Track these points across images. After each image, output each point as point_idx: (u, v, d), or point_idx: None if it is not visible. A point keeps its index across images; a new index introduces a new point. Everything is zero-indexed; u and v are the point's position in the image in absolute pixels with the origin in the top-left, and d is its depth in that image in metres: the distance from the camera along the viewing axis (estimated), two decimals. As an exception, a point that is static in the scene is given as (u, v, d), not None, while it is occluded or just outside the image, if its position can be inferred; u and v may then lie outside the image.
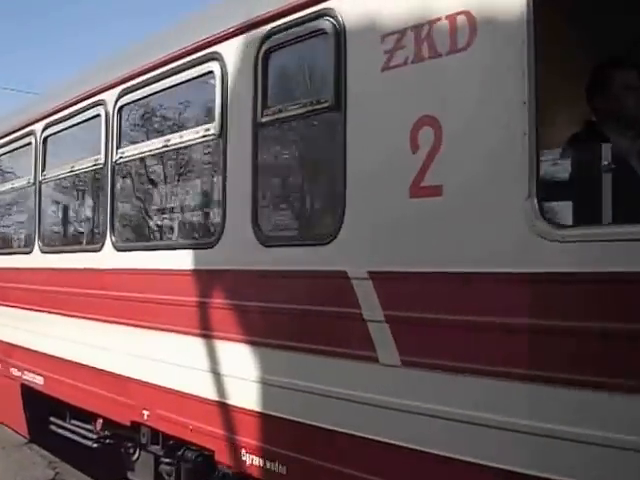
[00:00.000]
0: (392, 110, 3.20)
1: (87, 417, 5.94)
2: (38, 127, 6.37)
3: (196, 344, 4.24)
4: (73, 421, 6.37)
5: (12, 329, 6.83)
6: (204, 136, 4.27)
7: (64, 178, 6.21)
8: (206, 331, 4.17)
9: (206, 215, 4.79)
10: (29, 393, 6.62)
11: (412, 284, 3.11)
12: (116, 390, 5.06)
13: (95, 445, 5.89)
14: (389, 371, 3.18)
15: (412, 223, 3.12)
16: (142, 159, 5.12)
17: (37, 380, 6.31)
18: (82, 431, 6.16)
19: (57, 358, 5.87)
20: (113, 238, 5.13)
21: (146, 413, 4.74)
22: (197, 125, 4.44)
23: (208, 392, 4.13)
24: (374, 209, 3.27)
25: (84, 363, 5.44)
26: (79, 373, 5.53)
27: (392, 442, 3.14)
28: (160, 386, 4.54)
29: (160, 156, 4.97)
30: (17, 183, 6.91)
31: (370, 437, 3.23)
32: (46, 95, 7.47)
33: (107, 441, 5.82)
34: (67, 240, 6.52)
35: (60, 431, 6.51)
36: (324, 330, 3.48)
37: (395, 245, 3.19)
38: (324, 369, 3.47)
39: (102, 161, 5.30)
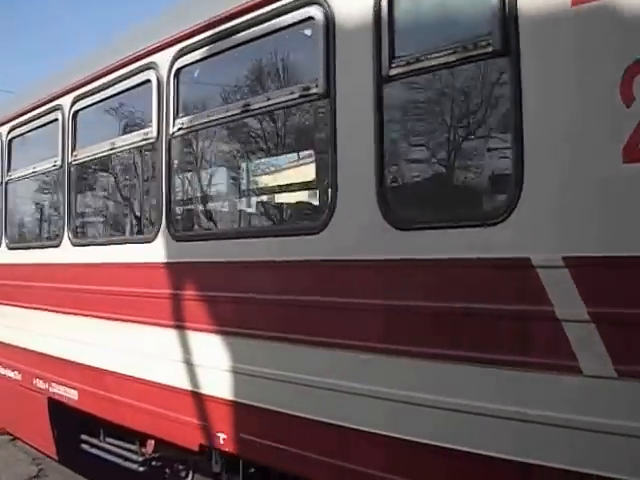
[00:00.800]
0: (591, 53, 2.46)
1: (122, 433, 5.18)
2: (66, 101, 5.54)
3: (293, 350, 3.47)
4: (109, 439, 5.57)
5: (35, 335, 5.97)
6: (303, 96, 3.48)
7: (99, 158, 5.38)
8: (320, 337, 3.37)
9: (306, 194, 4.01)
10: (56, 407, 5.79)
11: (630, 271, 2.37)
12: (177, 408, 4.25)
13: (142, 469, 5.10)
14: (597, 384, 2.44)
15: (627, 194, 2.38)
16: (207, 129, 4.30)
17: (69, 394, 5.47)
18: (122, 451, 5.36)
19: (96, 369, 5.03)
20: (171, 228, 4.32)
21: (222, 436, 3.94)
22: (290, 85, 3.66)
23: (328, 413, 3.32)
24: (571, 177, 2.52)
25: (133, 375, 4.62)
26: (126, 387, 4.71)
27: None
28: (246, 404, 3.75)
29: (237, 124, 4.16)
30: (40, 166, 6.05)
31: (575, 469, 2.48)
32: (75, 65, 6.53)
33: (156, 463, 5.04)
34: (106, 230, 5.70)
35: (94, 451, 5.70)
36: (492, 334, 2.71)
37: (603, 223, 2.45)
38: (493, 384, 2.71)
39: (154, 135, 4.48)
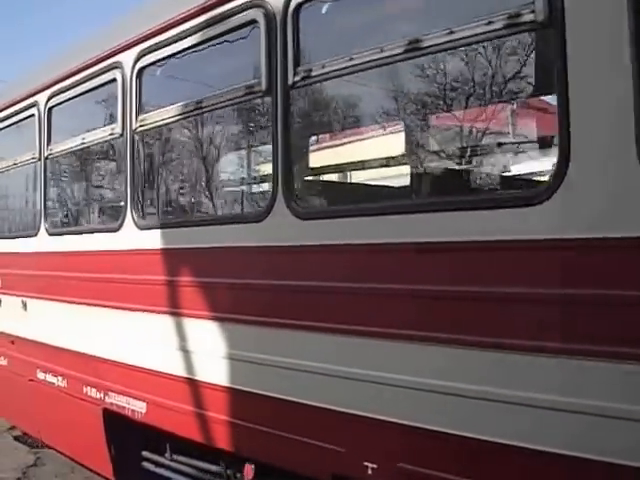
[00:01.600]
0: None
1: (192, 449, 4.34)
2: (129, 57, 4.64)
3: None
4: (178, 457, 4.70)
5: (87, 335, 5.08)
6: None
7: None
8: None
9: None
10: (112, 419, 4.92)
11: None
12: (304, 429, 3.40)
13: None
14: None
15: None
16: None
17: (135, 406, 4.58)
18: (200, 474, 4.50)
19: (176, 378, 4.15)
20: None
21: (371, 466, 3.08)
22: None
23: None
24: None
25: (237, 388, 3.74)
26: (220, 400, 3.84)
27: None
28: (415, 427, 2.89)
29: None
30: (93, 136, 5.14)
31: None
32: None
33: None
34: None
35: (160, 471, 4.83)
36: None
37: None
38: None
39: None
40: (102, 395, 4.92)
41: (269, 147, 3.71)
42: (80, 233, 5.27)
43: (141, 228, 4.48)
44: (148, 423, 4.50)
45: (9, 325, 6.36)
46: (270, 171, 3.60)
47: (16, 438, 6.95)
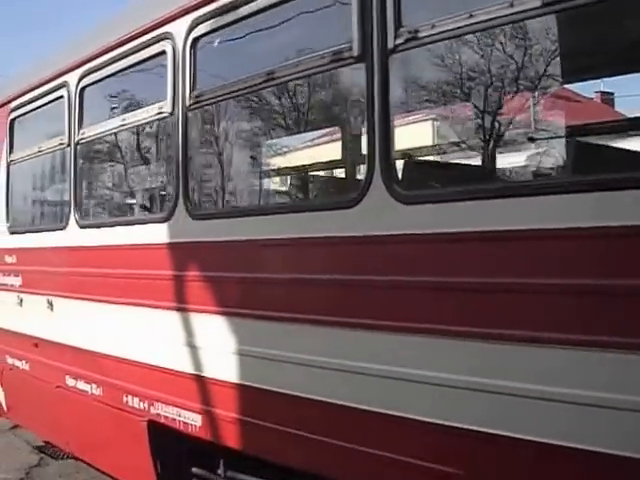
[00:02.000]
0: None
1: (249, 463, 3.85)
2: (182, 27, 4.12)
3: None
4: (234, 474, 4.20)
5: (127, 338, 4.58)
6: None
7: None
8: None
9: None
10: (158, 431, 4.41)
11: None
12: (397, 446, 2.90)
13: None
14: None
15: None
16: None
17: (186, 418, 4.07)
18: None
19: (240, 386, 3.65)
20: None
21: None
22: None
23: None
24: None
25: (320, 399, 3.25)
26: (301, 413, 3.34)
27: None
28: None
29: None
30: (134, 117, 4.62)
31: None
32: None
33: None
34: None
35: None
36: None
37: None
38: None
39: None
40: (147, 406, 4.41)
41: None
42: (119, 225, 4.75)
43: (196, 218, 3.98)
44: (203, 437, 4.01)
45: (32, 326, 5.84)
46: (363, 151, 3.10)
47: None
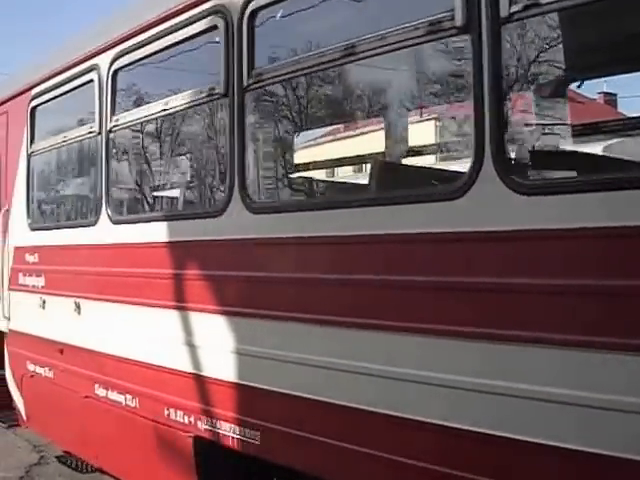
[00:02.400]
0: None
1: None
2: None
3: None
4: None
5: (165, 343, 4.14)
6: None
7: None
8: None
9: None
10: (206, 449, 3.98)
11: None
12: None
13: None
14: None
15: None
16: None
17: (243, 435, 3.64)
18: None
19: (312, 401, 3.22)
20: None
21: None
22: None
23: None
24: None
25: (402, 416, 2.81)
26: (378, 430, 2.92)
27: None
28: None
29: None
30: (178, 101, 4.17)
31: None
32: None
33: None
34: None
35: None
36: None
37: None
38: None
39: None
40: (193, 420, 3.97)
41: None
42: (160, 220, 4.31)
43: (255, 212, 3.54)
44: (263, 456, 3.57)
45: (56, 331, 5.40)
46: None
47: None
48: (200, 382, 3.89)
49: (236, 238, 3.63)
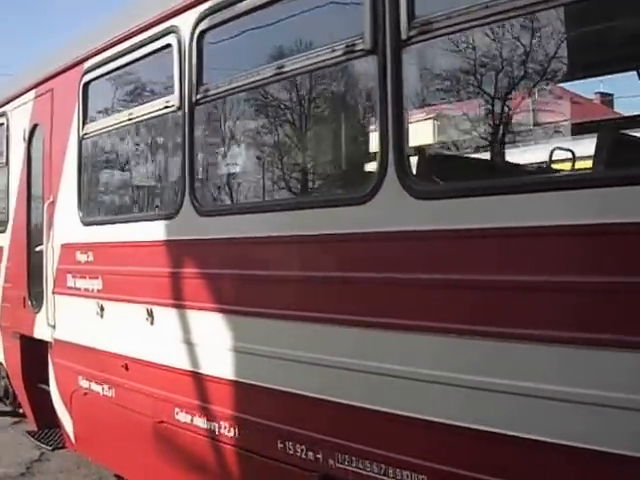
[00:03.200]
0: None
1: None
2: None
3: None
4: None
5: (282, 361, 3.36)
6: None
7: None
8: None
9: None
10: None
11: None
12: None
13: None
14: None
15: None
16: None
17: (393, 476, 2.87)
18: None
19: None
20: None
21: None
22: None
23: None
24: None
25: None
26: None
27: None
28: None
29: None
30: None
31: None
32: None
33: None
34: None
35: None
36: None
37: None
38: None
39: None
40: (320, 456, 3.20)
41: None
42: (268, 210, 3.51)
43: (418, 196, 2.76)
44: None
45: (120, 343, 4.62)
46: None
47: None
48: (329, 409, 3.11)
49: (393, 231, 2.86)
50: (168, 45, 4.12)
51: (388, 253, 2.83)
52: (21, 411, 6.87)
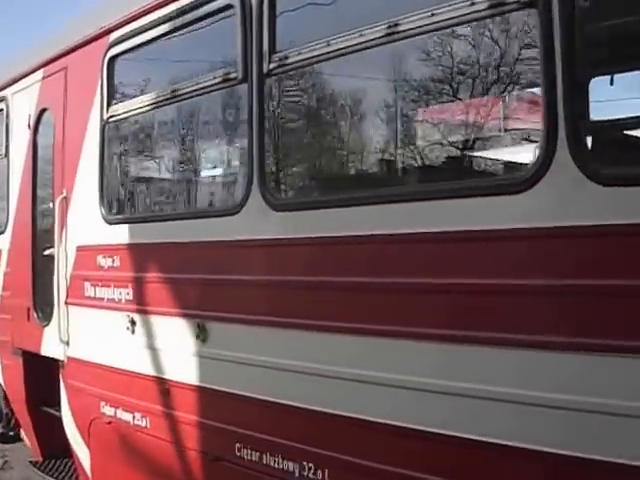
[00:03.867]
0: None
1: None
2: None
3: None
4: None
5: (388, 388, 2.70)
6: None
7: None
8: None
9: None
10: None
11: None
12: None
13: None
14: None
15: None
16: None
17: None
18: None
19: None
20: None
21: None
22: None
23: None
24: None
25: None
26: None
27: None
28: None
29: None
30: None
31: None
32: None
33: None
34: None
35: None
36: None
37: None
38: None
39: None
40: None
41: None
42: (383, 201, 2.81)
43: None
44: None
45: (160, 364, 3.89)
46: None
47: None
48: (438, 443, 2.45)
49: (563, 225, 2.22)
50: (228, 6, 3.42)
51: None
52: (19, 434, 6.12)
